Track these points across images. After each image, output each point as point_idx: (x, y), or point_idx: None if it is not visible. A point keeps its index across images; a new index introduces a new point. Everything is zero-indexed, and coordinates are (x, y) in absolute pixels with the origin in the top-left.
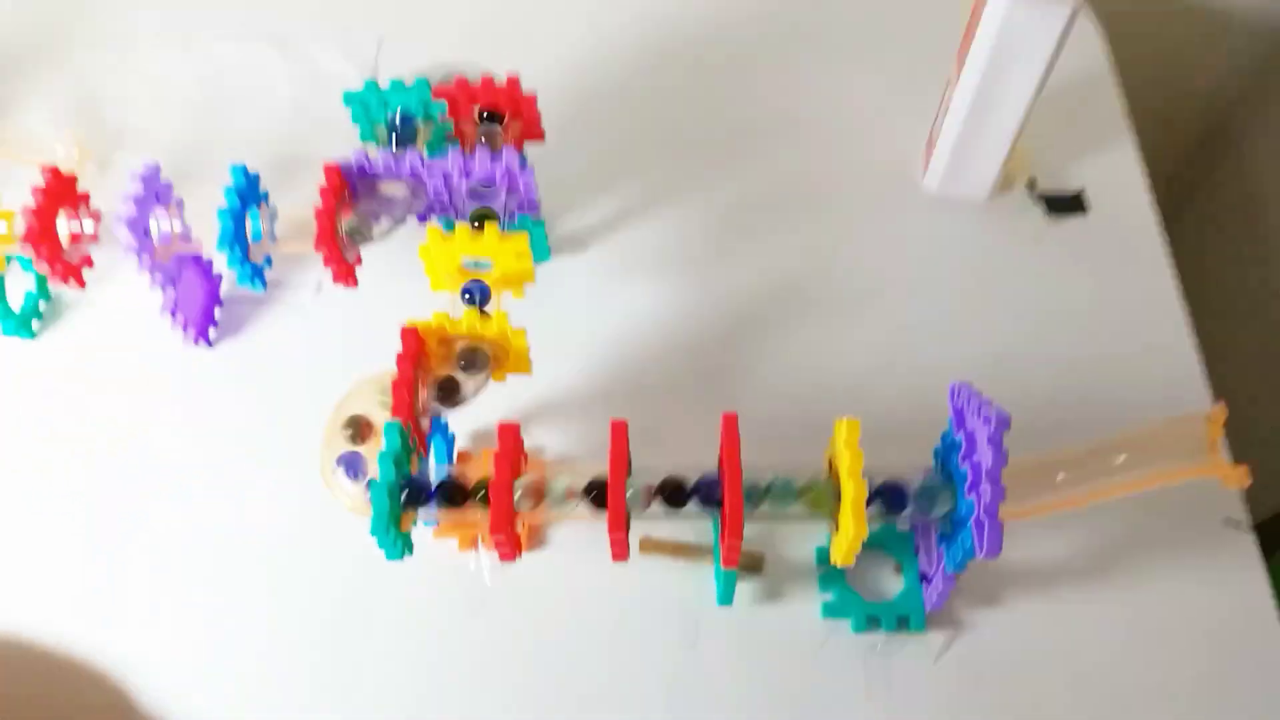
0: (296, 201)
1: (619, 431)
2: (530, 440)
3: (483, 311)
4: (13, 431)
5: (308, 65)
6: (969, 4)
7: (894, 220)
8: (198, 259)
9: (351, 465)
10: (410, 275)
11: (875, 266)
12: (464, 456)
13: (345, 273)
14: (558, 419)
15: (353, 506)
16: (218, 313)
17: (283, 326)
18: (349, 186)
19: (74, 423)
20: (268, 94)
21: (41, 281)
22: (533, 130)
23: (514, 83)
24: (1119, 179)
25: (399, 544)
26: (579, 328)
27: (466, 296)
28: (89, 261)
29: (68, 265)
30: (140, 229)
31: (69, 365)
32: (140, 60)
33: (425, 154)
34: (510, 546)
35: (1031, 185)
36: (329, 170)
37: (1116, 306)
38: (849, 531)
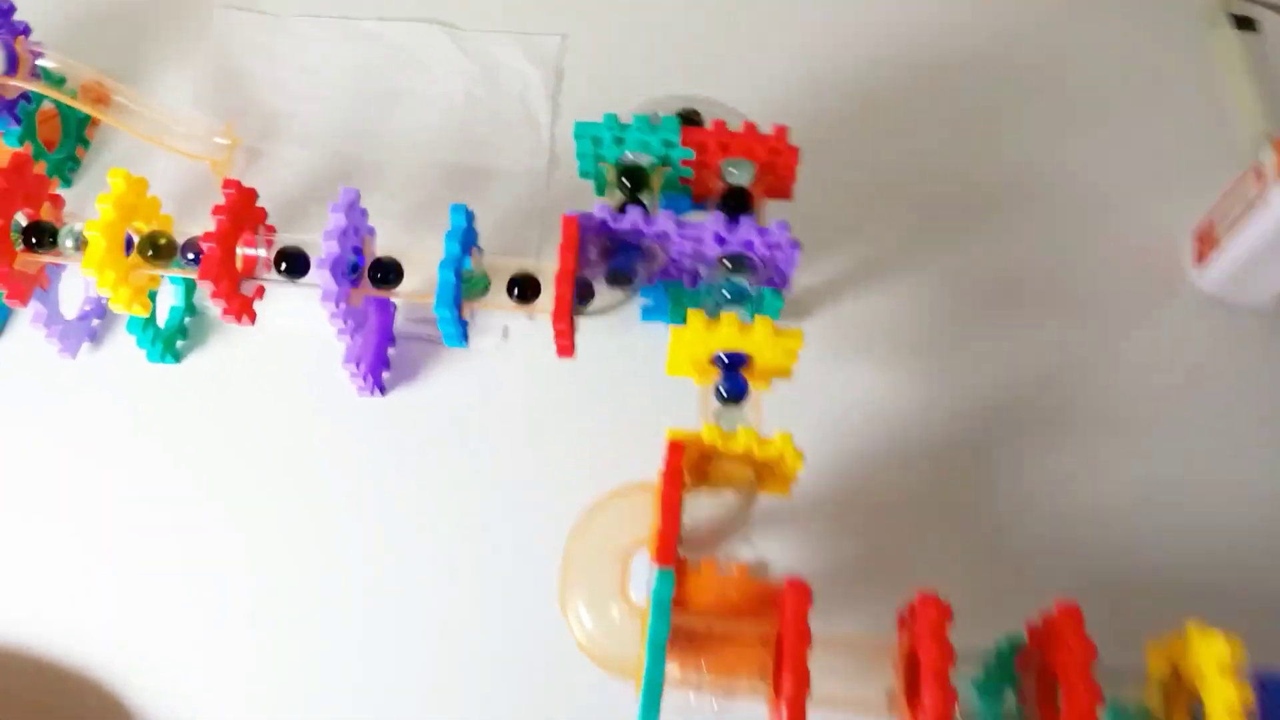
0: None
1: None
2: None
3: (731, 401)
4: (145, 461)
5: (482, 57)
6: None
7: (1160, 320)
8: (383, 300)
9: None
10: (613, 337)
11: (1139, 376)
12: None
13: (568, 344)
14: (775, 523)
15: (585, 647)
16: (391, 352)
17: (461, 373)
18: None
19: (212, 458)
20: (436, 85)
21: (189, 291)
22: (783, 189)
23: (781, 134)
24: None
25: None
26: (799, 409)
27: (723, 394)
28: (261, 293)
29: (243, 301)
30: (342, 271)
31: (213, 394)
32: (292, 37)
33: (657, 202)
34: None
35: None
36: (569, 225)
37: None
38: None
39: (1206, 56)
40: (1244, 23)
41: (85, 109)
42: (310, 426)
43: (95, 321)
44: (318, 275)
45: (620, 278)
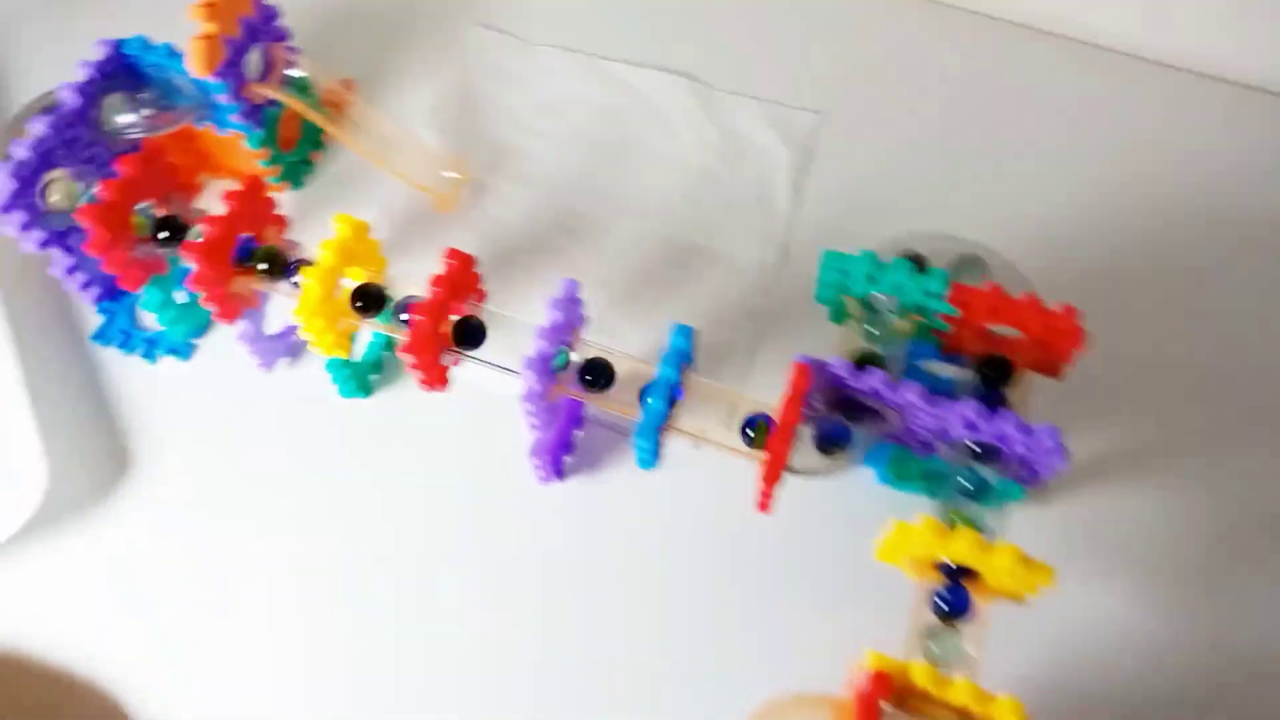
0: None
1: None
2: None
3: (950, 619)
4: (306, 484)
5: (728, 123)
6: None
7: None
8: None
9: None
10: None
11: None
12: None
13: (771, 502)
14: None
15: None
16: (577, 435)
17: (644, 475)
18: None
19: (371, 498)
20: (674, 146)
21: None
22: (1053, 370)
23: (1070, 315)
24: None
25: None
26: (1023, 622)
27: (942, 608)
28: (459, 361)
29: (441, 371)
30: (547, 370)
31: (391, 434)
32: (539, 67)
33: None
34: None
35: None
36: (799, 375)
37: None
38: None
39: None
40: None
41: (322, 124)
42: (479, 493)
43: (295, 338)
44: (523, 373)
45: (838, 444)
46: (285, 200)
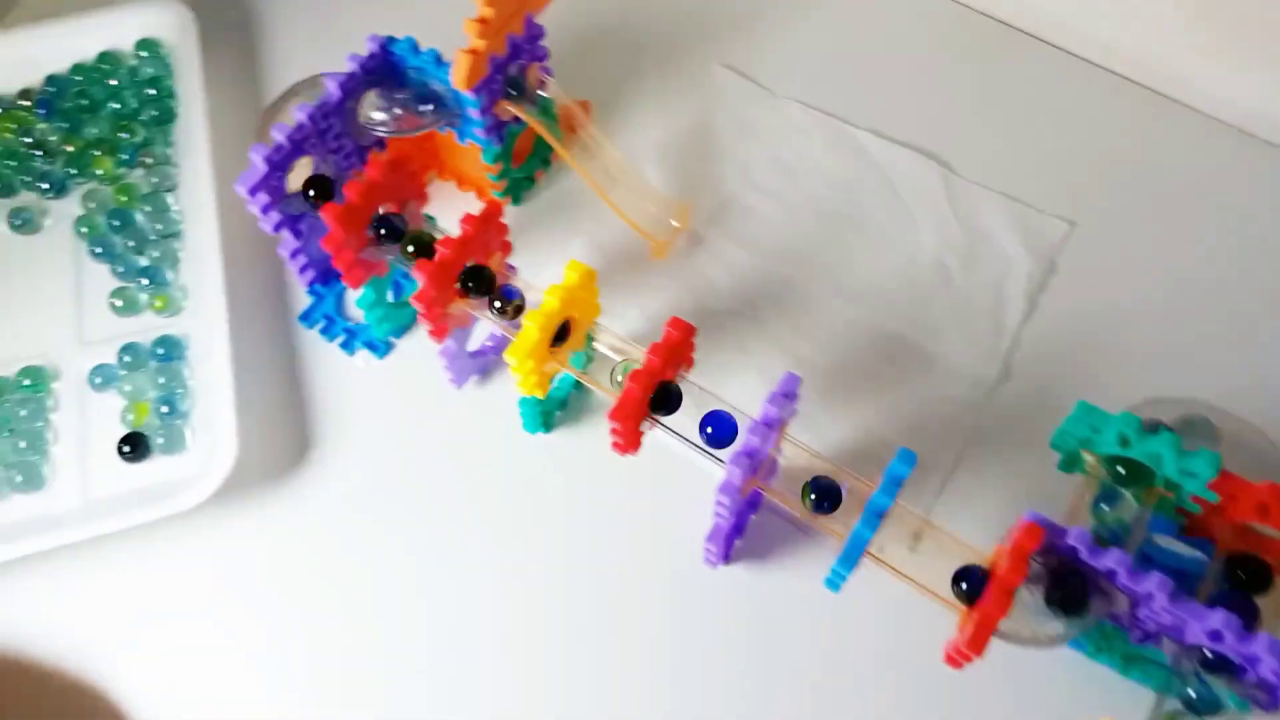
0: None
1: None
2: None
3: None
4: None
5: (971, 217)
6: None
7: None
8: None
9: None
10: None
11: None
12: None
13: (964, 662)
14: None
15: None
16: (751, 519)
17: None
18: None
19: (530, 533)
20: (908, 231)
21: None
22: None
23: None
24: None
25: None
26: None
27: None
28: (653, 425)
29: (637, 437)
30: (753, 467)
31: (562, 475)
32: (780, 121)
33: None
34: None
35: None
36: (1028, 535)
37: None
38: None
39: None
40: None
41: (559, 149)
42: (638, 556)
43: (489, 359)
44: (727, 468)
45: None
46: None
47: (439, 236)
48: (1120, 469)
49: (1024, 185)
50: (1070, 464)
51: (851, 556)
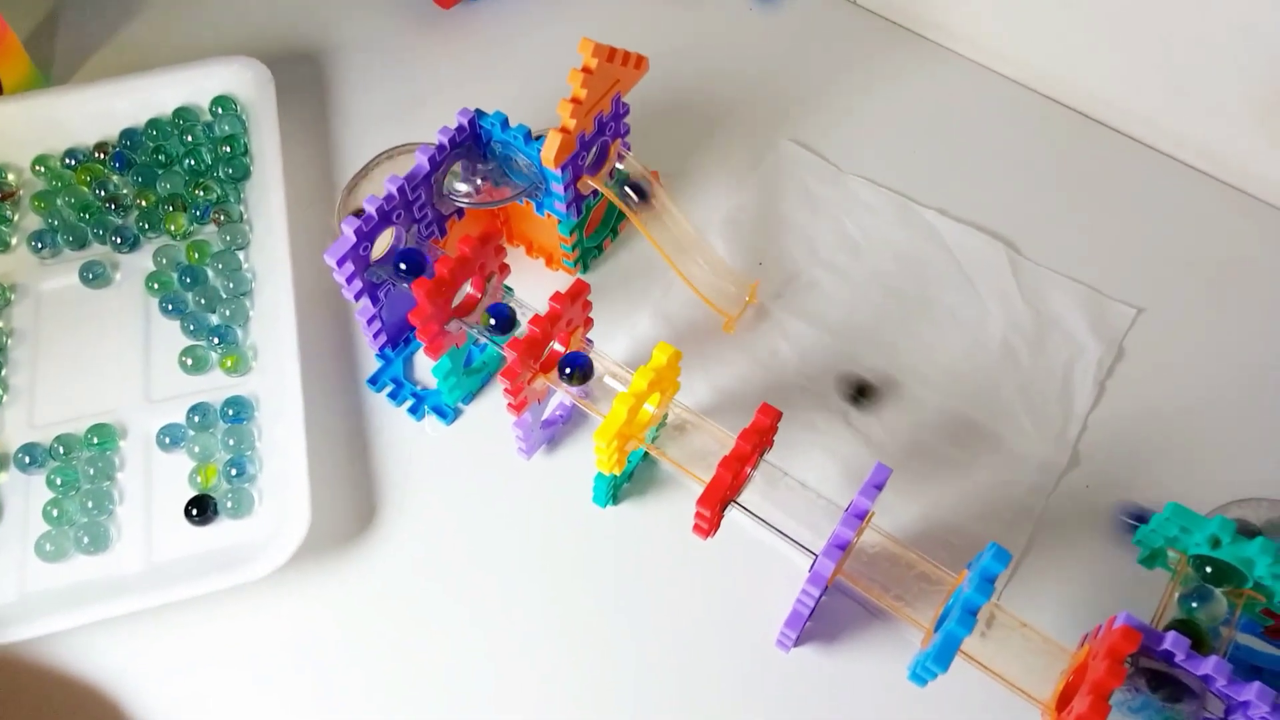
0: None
1: None
2: None
3: None
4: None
5: (1039, 300)
6: None
7: None
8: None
9: None
10: None
11: None
12: None
13: None
14: None
15: None
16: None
17: (893, 668)
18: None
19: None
20: (976, 313)
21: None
22: None
23: None
24: None
25: None
26: None
27: None
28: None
29: (719, 520)
30: (840, 557)
31: (625, 548)
32: (846, 197)
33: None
34: None
35: None
36: (1125, 639)
37: None
38: None
39: None
40: None
41: (635, 220)
42: (706, 635)
43: (559, 427)
44: (818, 559)
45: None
46: (569, 282)
47: (526, 314)
48: (1209, 569)
49: (1091, 271)
50: (1152, 560)
51: (946, 656)
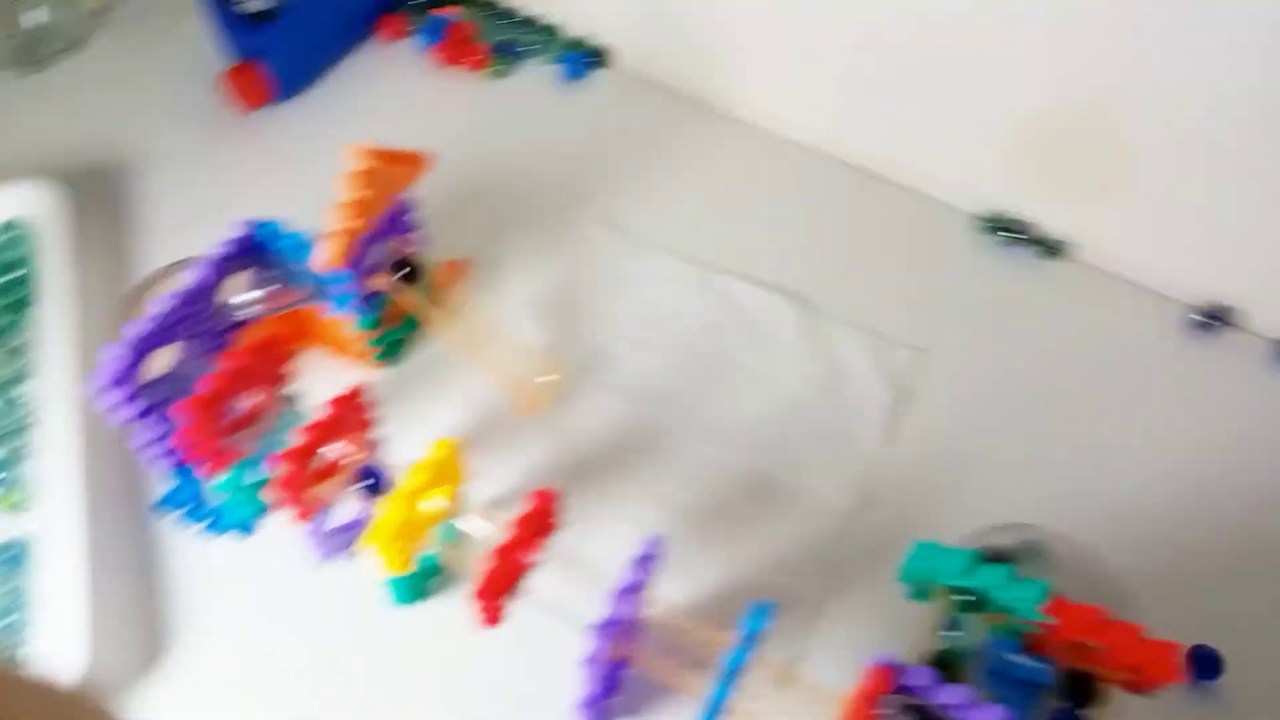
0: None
1: None
2: None
3: None
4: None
5: (829, 352)
6: None
7: None
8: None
9: None
10: None
11: None
12: None
13: None
14: None
15: None
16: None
17: None
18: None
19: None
20: (771, 370)
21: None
22: (1148, 690)
23: (1171, 653)
24: None
25: None
26: None
27: None
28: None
29: (499, 610)
30: (618, 635)
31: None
32: (648, 273)
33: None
34: None
35: None
36: (877, 676)
37: None
38: None
39: None
40: None
41: (426, 316)
42: None
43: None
44: (590, 638)
45: None
46: (373, 376)
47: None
48: (965, 598)
49: (878, 318)
50: (920, 595)
51: (709, 713)
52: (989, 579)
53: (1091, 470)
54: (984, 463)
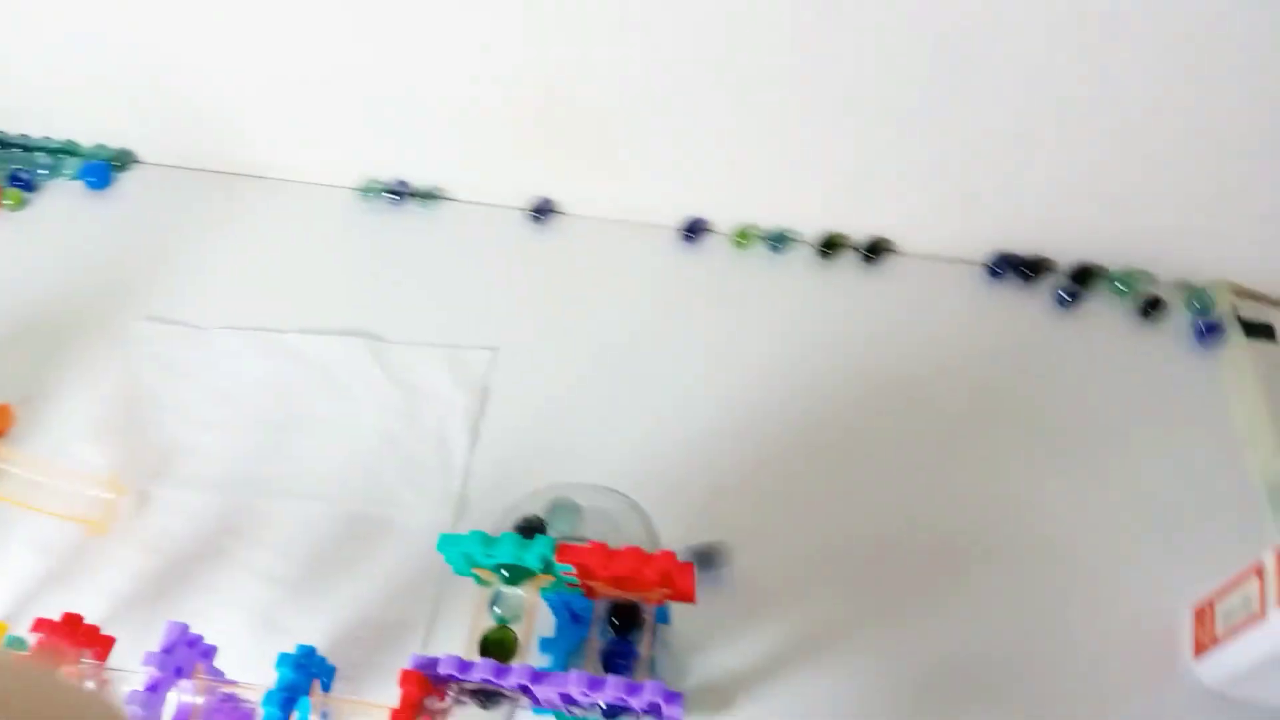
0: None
1: None
2: None
3: None
4: None
5: (405, 377)
6: None
7: (1155, 711)
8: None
9: None
10: None
11: None
12: None
13: None
14: None
15: None
16: None
17: None
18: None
19: None
20: (349, 413)
21: None
22: (684, 598)
23: (668, 558)
24: None
25: None
26: None
27: None
28: None
29: None
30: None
31: None
32: (211, 352)
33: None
34: None
35: None
36: (408, 680)
37: None
38: None
39: (1218, 372)
40: (1259, 330)
41: None
42: None
43: None
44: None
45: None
46: None
47: None
48: (505, 571)
49: (449, 332)
50: (483, 581)
51: None
52: (501, 550)
53: (651, 414)
54: (569, 444)
